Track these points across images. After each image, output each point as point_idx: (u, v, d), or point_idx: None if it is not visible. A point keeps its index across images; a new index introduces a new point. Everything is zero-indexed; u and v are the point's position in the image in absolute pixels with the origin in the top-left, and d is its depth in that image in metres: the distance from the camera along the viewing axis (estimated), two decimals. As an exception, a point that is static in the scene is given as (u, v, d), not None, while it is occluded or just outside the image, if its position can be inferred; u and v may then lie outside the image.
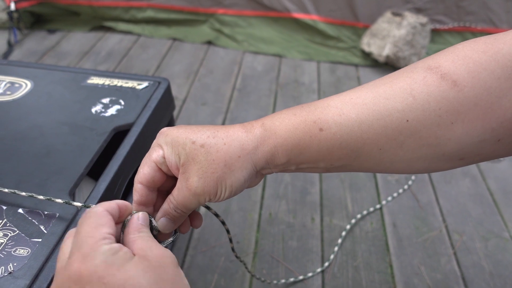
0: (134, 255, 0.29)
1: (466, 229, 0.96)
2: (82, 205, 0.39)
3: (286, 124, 0.34)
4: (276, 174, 1.09)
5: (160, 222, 0.36)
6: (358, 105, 0.33)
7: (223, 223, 0.41)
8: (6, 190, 0.43)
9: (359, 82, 1.52)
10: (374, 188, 1.06)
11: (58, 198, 0.41)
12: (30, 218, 0.42)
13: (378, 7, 1.61)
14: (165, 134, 0.35)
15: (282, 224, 0.96)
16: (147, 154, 0.36)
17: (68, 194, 0.45)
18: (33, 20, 1.77)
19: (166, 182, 0.37)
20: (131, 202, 0.36)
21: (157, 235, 0.36)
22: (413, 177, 1.08)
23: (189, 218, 0.39)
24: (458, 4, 1.57)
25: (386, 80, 0.33)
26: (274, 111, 1.35)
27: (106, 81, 0.65)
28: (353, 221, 0.96)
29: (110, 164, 0.50)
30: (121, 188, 0.51)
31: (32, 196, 0.41)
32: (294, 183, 1.07)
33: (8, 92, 0.61)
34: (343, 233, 0.93)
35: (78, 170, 0.48)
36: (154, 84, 0.64)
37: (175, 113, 1.31)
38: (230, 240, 0.44)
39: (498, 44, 0.30)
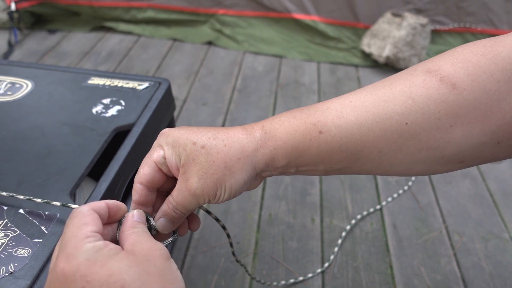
0: (122, 250, 0.29)
1: (466, 230, 0.96)
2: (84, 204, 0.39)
3: (286, 127, 0.34)
4: (276, 174, 1.09)
5: (159, 222, 0.36)
6: (358, 108, 0.33)
7: (223, 227, 0.41)
8: (4, 193, 0.43)
9: (359, 82, 1.53)
10: (374, 189, 1.06)
11: (56, 201, 0.41)
12: (31, 218, 0.42)
13: (378, 8, 1.61)
14: (166, 135, 0.35)
15: (282, 224, 0.96)
16: (147, 154, 0.36)
17: (69, 195, 0.45)
18: (34, 20, 1.77)
19: (166, 183, 0.37)
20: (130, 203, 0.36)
21: (156, 235, 0.36)
22: (413, 178, 1.08)
23: (187, 220, 0.39)
24: (458, 5, 1.57)
25: (386, 83, 0.34)
26: (274, 111, 1.35)
27: (107, 82, 0.65)
28: (353, 221, 0.96)
29: (111, 164, 0.50)
30: (122, 188, 0.51)
31: (30, 199, 0.41)
32: (294, 184, 1.07)
33: (9, 93, 0.61)
34: (343, 234, 0.93)
35: (79, 171, 0.48)
36: (154, 84, 0.65)
37: (175, 113, 1.31)
38: (231, 245, 0.44)
39: (497, 47, 0.30)
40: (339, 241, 0.92)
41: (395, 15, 1.54)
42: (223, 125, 1.27)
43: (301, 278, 0.84)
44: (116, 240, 0.33)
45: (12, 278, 0.37)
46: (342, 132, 0.33)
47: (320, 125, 0.33)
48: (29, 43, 1.68)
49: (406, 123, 0.31)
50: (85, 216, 0.30)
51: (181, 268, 0.85)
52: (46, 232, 0.41)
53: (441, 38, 1.65)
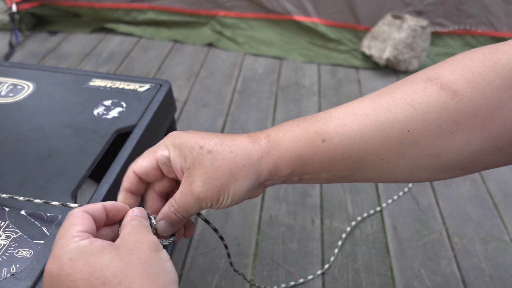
0: (109, 246, 0.29)
1: (466, 232, 0.96)
2: (79, 206, 0.39)
3: (290, 136, 0.34)
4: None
5: (159, 224, 0.36)
6: (360, 116, 0.33)
7: (221, 238, 0.42)
8: (4, 195, 0.43)
9: (359, 84, 1.53)
10: (374, 191, 1.06)
11: (56, 201, 0.41)
12: (32, 220, 0.42)
13: (379, 10, 1.61)
14: (174, 136, 0.35)
15: (283, 226, 0.96)
16: (151, 149, 0.36)
17: (70, 196, 0.45)
18: (35, 22, 1.78)
19: (165, 183, 0.37)
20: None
21: (156, 235, 0.36)
22: (413, 180, 1.08)
23: (182, 226, 0.39)
24: (458, 7, 1.57)
25: (387, 91, 0.34)
26: (274, 113, 1.35)
27: (108, 83, 0.65)
28: (353, 223, 0.97)
29: (112, 166, 0.50)
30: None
31: (29, 201, 0.42)
32: (295, 185, 1.07)
33: (11, 94, 0.61)
34: (343, 236, 0.94)
35: (80, 172, 0.48)
36: (155, 86, 0.65)
37: (175, 115, 1.31)
38: (228, 255, 0.44)
39: (497, 54, 0.30)
40: (339, 243, 0.92)
41: (396, 17, 1.54)
42: (223, 126, 1.28)
43: (301, 281, 0.84)
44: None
45: (13, 279, 0.37)
46: (344, 140, 0.33)
47: (323, 133, 0.33)
48: (30, 45, 1.68)
49: (408, 131, 0.31)
50: (75, 217, 0.30)
51: (181, 270, 0.85)
52: (48, 233, 0.41)
53: (441, 40, 1.65)
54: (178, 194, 0.35)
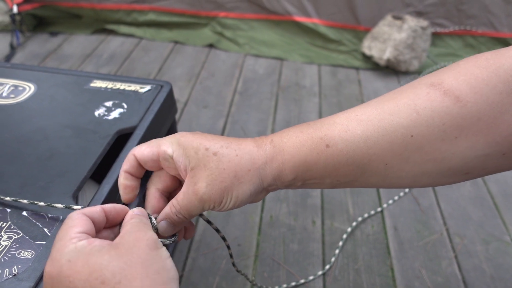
0: (108, 245, 0.29)
1: (467, 232, 0.96)
2: (82, 208, 0.39)
3: (294, 141, 0.35)
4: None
5: (160, 225, 0.36)
6: (364, 122, 0.33)
7: (223, 239, 0.42)
8: (8, 198, 0.43)
9: (360, 85, 1.53)
10: (375, 191, 1.06)
11: (59, 203, 0.41)
12: (34, 220, 0.42)
13: (379, 11, 1.61)
14: (180, 135, 0.36)
15: (283, 227, 0.96)
16: (156, 140, 0.36)
17: (72, 197, 0.45)
18: (36, 23, 1.78)
19: (168, 182, 0.38)
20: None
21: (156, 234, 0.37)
22: (414, 180, 1.08)
23: (183, 227, 0.40)
24: (459, 8, 1.57)
25: (390, 96, 0.34)
26: (275, 114, 1.35)
27: (109, 85, 0.65)
28: (354, 224, 0.97)
29: (113, 167, 0.50)
30: (124, 191, 0.51)
31: (33, 203, 0.42)
32: (295, 186, 1.07)
33: (12, 95, 0.62)
34: (344, 236, 0.94)
35: (81, 173, 0.48)
36: (156, 87, 0.65)
37: (176, 116, 1.31)
38: (231, 256, 0.44)
39: (499, 60, 0.31)
40: (340, 243, 0.92)
41: (396, 17, 1.54)
42: (224, 127, 1.28)
43: (302, 281, 0.84)
44: None
45: (15, 280, 0.37)
46: (348, 146, 0.33)
47: (327, 139, 0.34)
48: (31, 46, 1.68)
49: (412, 136, 0.32)
50: (73, 220, 0.31)
51: (182, 271, 0.85)
52: (49, 234, 0.41)
53: (441, 41, 1.65)
54: (180, 195, 0.35)
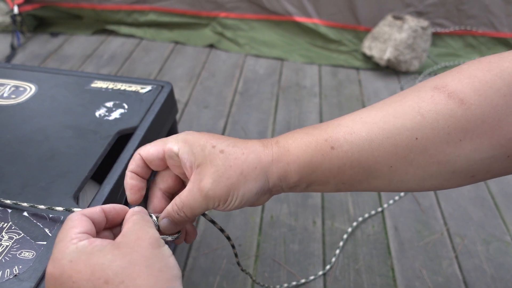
0: (109, 244, 0.29)
1: (468, 232, 0.96)
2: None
3: (299, 143, 0.35)
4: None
5: (161, 222, 0.36)
6: (368, 124, 0.33)
7: (228, 238, 0.42)
8: (8, 201, 0.43)
9: (360, 85, 1.53)
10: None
11: (60, 203, 0.42)
12: (35, 221, 0.42)
13: (379, 11, 1.61)
14: (187, 133, 0.36)
15: (284, 227, 0.96)
16: (162, 139, 0.36)
17: (73, 198, 0.45)
18: (36, 24, 1.78)
19: (171, 182, 0.38)
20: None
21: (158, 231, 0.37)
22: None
23: (185, 230, 0.40)
24: (459, 8, 1.57)
25: (395, 99, 0.34)
26: (276, 114, 1.35)
27: (110, 85, 0.65)
28: (354, 224, 0.97)
29: (114, 167, 0.50)
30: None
31: (33, 207, 0.42)
32: (296, 186, 1.07)
33: (13, 96, 0.62)
34: (345, 236, 0.94)
35: (82, 174, 0.49)
36: (157, 88, 0.65)
37: (177, 116, 1.31)
38: (236, 255, 0.44)
39: (503, 63, 0.31)
40: (341, 244, 0.92)
41: (396, 18, 1.54)
42: (224, 127, 1.28)
43: (303, 281, 0.84)
44: None
45: (16, 280, 0.37)
46: (353, 148, 0.33)
47: (331, 140, 0.34)
48: (31, 46, 1.69)
49: (416, 138, 0.32)
50: (73, 221, 0.31)
51: (183, 270, 0.85)
52: (50, 234, 0.41)
53: (442, 41, 1.65)
54: (185, 192, 0.35)
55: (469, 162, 0.32)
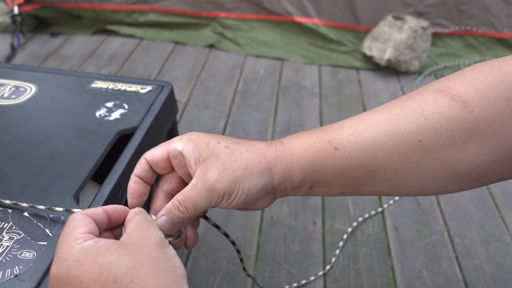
0: (115, 244, 0.29)
1: (468, 232, 0.96)
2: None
3: (302, 143, 0.35)
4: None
5: (159, 220, 0.35)
6: (372, 126, 0.33)
7: (233, 243, 0.41)
8: (7, 201, 0.43)
9: (360, 85, 1.53)
10: (375, 192, 1.06)
11: (60, 204, 0.41)
12: (35, 221, 0.42)
13: (379, 11, 1.61)
14: (192, 133, 0.36)
15: (284, 227, 0.96)
16: (167, 141, 0.37)
17: (73, 198, 0.45)
18: (36, 24, 1.78)
19: (175, 184, 0.38)
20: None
21: None
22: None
23: (186, 234, 0.39)
24: (459, 8, 1.57)
25: (398, 102, 0.35)
26: (276, 114, 1.35)
27: (110, 85, 0.65)
28: (354, 224, 0.97)
29: (114, 167, 0.50)
30: (126, 191, 0.51)
31: (33, 207, 0.42)
32: (296, 186, 1.07)
33: (13, 96, 0.62)
34: (345, 236, 0.94)
35: (82, 174, 0.49)
36: (157, 88, 0.65)
37: (177, 116, 1.31)
38: (241, 260, 0.43)
39: (505, 67, 0.31)
40: (341, 244, 0.92)
41: (396, 18, 1.54)
42: (224, 127, 1.28)
43: (303, 282, 0.84)
44: None
45: (17, 280, 0.37)
46: (357, 149, 0.33)
47: (335, 141, 0.34)
48: (31, 46, 1.69)
49: (420, 141, 0.32)
50: (76, 221, 0.31)
51: (183, 271, 0.85)
52: (51, 235, 0.41)
53: (442, 41, 1.65)
54: (188, 187, 0.34)
55: (473, 165, 0.32)
